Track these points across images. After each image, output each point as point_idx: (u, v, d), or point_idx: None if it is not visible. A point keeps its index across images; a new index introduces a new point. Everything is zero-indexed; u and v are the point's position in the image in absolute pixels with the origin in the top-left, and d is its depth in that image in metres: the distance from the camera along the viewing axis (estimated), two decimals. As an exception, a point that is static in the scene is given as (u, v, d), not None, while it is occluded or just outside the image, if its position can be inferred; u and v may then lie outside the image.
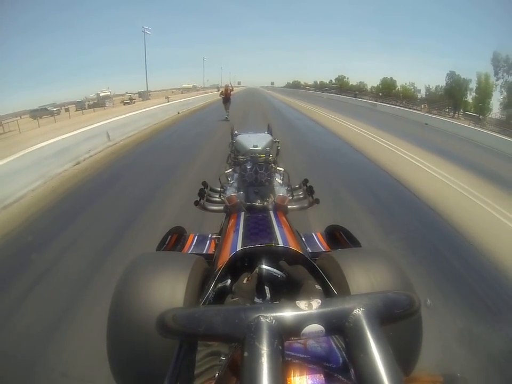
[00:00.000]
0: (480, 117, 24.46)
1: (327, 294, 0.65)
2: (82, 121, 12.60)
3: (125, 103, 30.35)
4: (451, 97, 30.76)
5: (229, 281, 0.72)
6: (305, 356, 0.40)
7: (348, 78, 58.75)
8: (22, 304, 2.09)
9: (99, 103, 31.04)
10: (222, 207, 1.44)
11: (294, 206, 1.51)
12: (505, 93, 27.27)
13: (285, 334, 0.32)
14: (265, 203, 1.38)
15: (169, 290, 0.62)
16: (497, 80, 27.77)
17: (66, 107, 28.91)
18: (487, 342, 1.84)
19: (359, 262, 0.73)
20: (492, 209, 4.26)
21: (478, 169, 6.63)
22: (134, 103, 30.33)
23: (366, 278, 0.67)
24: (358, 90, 45.37)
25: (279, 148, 1.94)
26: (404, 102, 33.37)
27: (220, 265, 0.76)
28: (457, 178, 5.57)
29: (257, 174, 1.45)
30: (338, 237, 1.32)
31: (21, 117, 21.55)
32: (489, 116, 27.16)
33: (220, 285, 0.70)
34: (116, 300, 0.62)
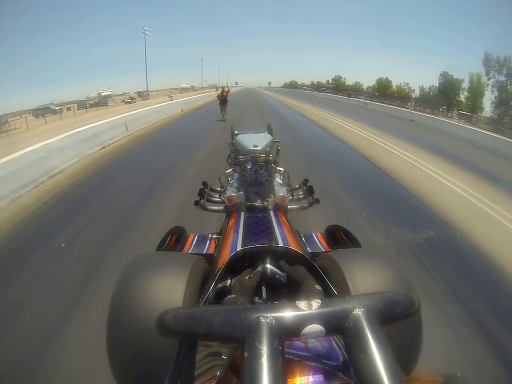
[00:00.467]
0: (473, 115, 25.44)
1: (327, 294, 0.65)
2: (87, 119, 13.07)
3: (126, 102, 31.16)
4: (444, 96, 31.50)
5: (229, 281, 0.72)
6: (306, 355, 0.40)
7: (344, 78, 59.04)
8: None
9: (100, 102, 31.61)
10: (222, 207, 1.44)
11: (294, 206, 1.52)
12: (496, 92, 28.24)
13: (285, 334, 0.32)
14: (265, 203, 1.38)
15: (169, 291, 0.63)
16: (488, 80, 28.58)
17: (67, 106, 29.27)
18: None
19: (359, 262, 0.73)
20: (425, 168, 6.21)
21: (435, 149, 8.42)
22: (135, 102, 31.11)
23: (366, 278, 0.67)
24: (354, 90, 45.90)
25: (279, 147, 1.96)
26: (398, 101, 34.40)
27: (220, 265, 0.76)
28: (414, 155, 7.20)
29: (257, 174, 1.45)
30: (338, 237, 1.33)
31: (21, 116, 21.17)
32: (481, 114, 27.76)
33: (220, 285, 0.70)
34: (115, 299, 0.63)
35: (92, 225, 3.23)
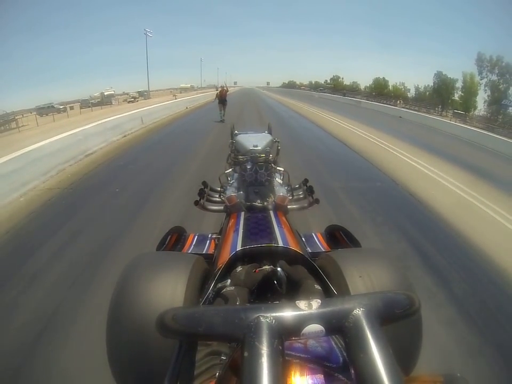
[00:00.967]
0: (467, 114, 25.90)
1: (326, 294, 0.65)
2: (94, 117, 13.24)
3: (129, 102, 31.97)
4: (439, 96, 31.97)
5: (229, 281, 0.72)
6: (306, 356, 0.40)
7: (342, 78, 58.99)
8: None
9: (103, 101, 32.32)
10: (222, 207, 1.45)
11: (294, 206, 1.52)
12: (489, 91, 28.66)
13: (285, 334, 0.32)
14: (265, 203, 1.39)
15: (169, 290, 0.63)
16: (481, 79, 28.98)
17: (70, 105, 29.85)
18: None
19: (358, 262, 0.74)
20: (392, 150, 7.44)
21: (409, 138, 9.58)
22: (137, 101, 32.16)
23: (365, 278, 0.68)
24: (352, 90, 45.97)
25: (279, 147, 1.96)
26: (393, 100, 35.25)
27: (220, 265, 0.76)
28: (387, 141, 8.45)
29: (257, 174, 1.46)
30: (338, 237, 1.33)
31: (23, 115, 20.65)
32: (475, 113, 28.07)
33: (219, 285, 0.70)
34: (115, 299, 0.63)
35: (135, 180, 4.55)
